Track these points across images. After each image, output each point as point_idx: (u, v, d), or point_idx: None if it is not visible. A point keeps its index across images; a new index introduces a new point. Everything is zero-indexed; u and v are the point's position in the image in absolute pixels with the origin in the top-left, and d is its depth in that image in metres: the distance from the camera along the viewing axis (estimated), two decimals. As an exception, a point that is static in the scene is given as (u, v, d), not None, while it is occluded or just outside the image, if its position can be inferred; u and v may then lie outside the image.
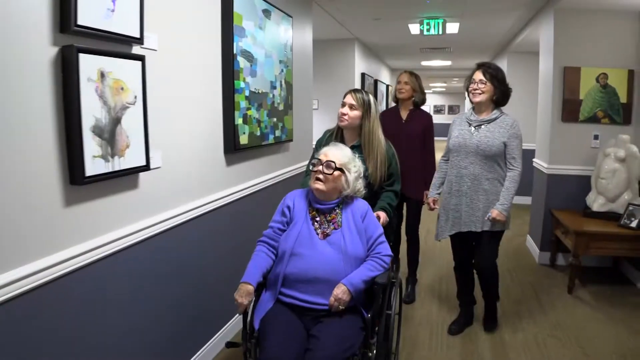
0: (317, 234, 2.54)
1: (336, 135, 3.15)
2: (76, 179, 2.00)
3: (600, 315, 4.10)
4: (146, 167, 2.41)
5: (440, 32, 6.86)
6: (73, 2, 1.90)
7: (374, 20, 6.98)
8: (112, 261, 2.28)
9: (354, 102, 3.02)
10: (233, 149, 3.34)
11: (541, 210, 5.46)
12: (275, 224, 2.65)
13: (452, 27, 7.18)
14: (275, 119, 4.08)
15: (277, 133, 4.16)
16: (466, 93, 3.60)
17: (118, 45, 2.22)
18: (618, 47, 5.03)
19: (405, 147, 4.22)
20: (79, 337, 2.08)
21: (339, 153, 2.64)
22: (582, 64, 5.05)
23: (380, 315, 2.53)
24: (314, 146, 3.31)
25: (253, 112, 3.61)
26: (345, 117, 3.02)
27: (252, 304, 2.35)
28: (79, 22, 1.94)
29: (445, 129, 4.48)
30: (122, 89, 2.20)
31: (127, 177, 2.34)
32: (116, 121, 2.18)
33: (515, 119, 3.45)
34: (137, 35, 2.29)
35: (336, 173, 2.57)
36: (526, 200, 6.65)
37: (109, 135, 2.14)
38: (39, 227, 1.89)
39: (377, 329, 2.46)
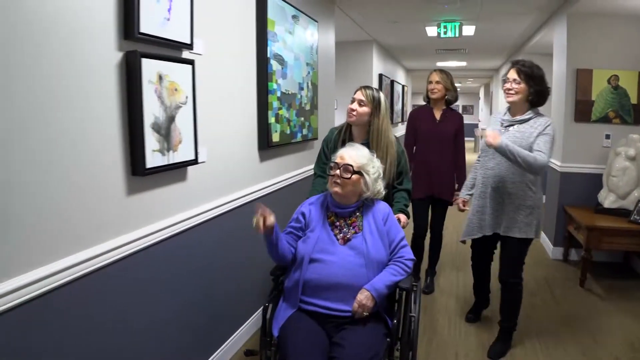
0: (337, 239, 2.46)
1: (345, 132, 3.09)
2: (138, 170, 2.23)
3: (611, 307, 4.27)
4: (194, 162, 2.66)
5: (457, 35, 6.99)
6: (136, 12, 2.14)
7: (393, 23, 7.16)
8: (159, 249, 2.48)
9: (363, 98, 2.95)
10: (266, 146, 3.58)
11: (554, 207, 5.63)
12: (289, 228, 2.59)
13: (468, 30, 7.32)
14: (302, 118, 4.32)
15: (304, 131, 4.39)
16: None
17: (172, 51, 2.46)
18: (629, 50, 5.19)
19: (439, 148, 4.34)
20: (112, 329, 2.18)
21: (355, 154, 2.52)
22: (594, 66, 5.22)
23: (404, 321, 2.46)
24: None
25: (284, 112, 3.85)
26: (354, 113, 2.96)
27: (270, 217, 2.29)
28: (142, 30, 2.18)
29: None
30: (176, 90, 2.44)
31: (178, 170, 2.59)
32: (171, 119, 2.42)
33: (552, 120, 3.23)
34: (188, 41, 2.53)
35: (354, 177, 2.47)
36: (540, 198, 6.81)
37: (165, 132, 2.38)
38: (105, 214, 2.12)
39: (400, 335, 2.43)
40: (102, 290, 2.11)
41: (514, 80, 3.18)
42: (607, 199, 4.99)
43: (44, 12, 1.76)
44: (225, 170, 3.11)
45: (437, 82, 4.36)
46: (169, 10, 2.36)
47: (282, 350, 2.21)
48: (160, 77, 2.32)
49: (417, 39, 8.74)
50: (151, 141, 2.27)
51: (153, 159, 2.29)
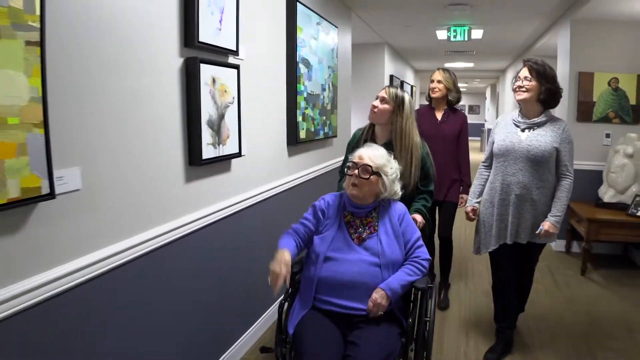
0: (353, 238, 2.46)
1: (367, 131, 3.07)
2: (194, 161, 2.59)
3: (609, 293, 4.59)
4: (238, 155, 3.01)
5: (466, 39, 7.27)
6: (196, 23, 2.49)
7: (405, 27, 7.46)
8: (206, 233, 2.80)
9: (385, 96, 2.91)
10: (294, 142, 3.94)
11: (557, 201, 5.91)
12: (306, 222, 2.56)
13: (477, 34, 7.58)
14: (324, 117, 4.67)
15: (326, 129, 4.75)
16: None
17: (222, 57, 2.83)
18: (628, 54, 5.52)
19: (442, 149, 4.12)
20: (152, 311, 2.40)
21: (374, 154, 2.51)
22: (595, 69, 5.55)
23: (419, 322, 2.44)
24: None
25: (309, 111, 4.20)
26: (375, 110, 2.94)
27: (288, 277, 2.25)
28: (200, 39, 2.53)
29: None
30: (225, 91, 2.79)
31: (225, 162, 2.94)
32: (221, 117, 2.77)
33: (565, 121, 3.19)
34: (234, 48, 2.89)
35: (373, 177, 2.46)
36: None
37: (217, 128, 2.73)
38: (168, 199, 2.46)
39: (415, 335, 2.43)
40: (151, 270, 2.39)
41: (525, 77, 3.09)
42: (607, 194, 5.32)
43: (121, 26, 2.12)
44: (260, 163, 3.45)
45: (439, 82, 4.23)
46: (220, 21, 2.72)
47: (297, 348, 2.22)
48: (214, 80, 2.67)
49: (428, 42, 9.00)
50: (206, 135, 2.63)
51: (207, 151, 2.65)
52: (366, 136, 3.04)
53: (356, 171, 2.45)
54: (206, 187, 2.79)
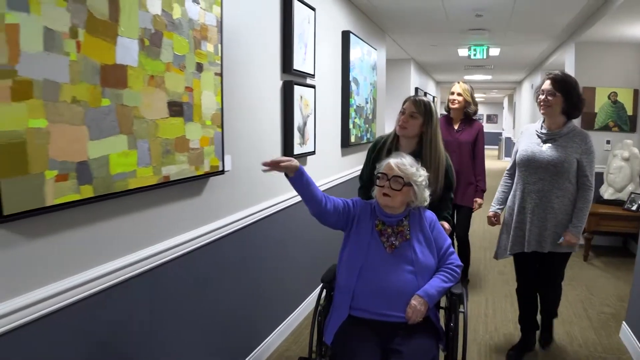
0: (385, 247, 2.42)
1: (392, 141, 2.98)
2: (288, 155, 3.49)
3: (607, 274, 5.38)
4: (313, 152, 3.95)
5: (485, 57, 8.05)
6: (292, 56, 3.44)
7: (431, 46, 8.31)
8: (286, 213, 3.64)
9: (414, 110, 2.82)
10: (347, 145, 4.90)
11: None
12: (342, 201, 2.55)
13: (494, 52, 8.36)
14: (367, 125, 5.63)
15: (368, 135, 5.71)
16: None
17: (305, 79, 3.77)
18: (626, 71, 6.33)
19: (458, 156, 4.29)
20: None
21: (402, 164, 2.47)
22: (597, 85, 6.36)
23: (456, 325, 2.45)
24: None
25: (357, 120, 5.16)
26: (405, 126, 2.84)
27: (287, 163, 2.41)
28: (294, 67, 3.48)
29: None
30: (307, 105, 3.75)
31: (304, 157, 3.87)
32: (305, 124, 3.73)
33: (588, 133, 3.19)
34: (312, 72, 3.84)
35: (405, 188, 2.43)
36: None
37: (302, 132, 3.68)
38: (271, 182, 3.34)
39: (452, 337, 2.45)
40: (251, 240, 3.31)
41: (548, 91, 3.09)
42: (607, 192, 6.17)
43: (251, 60, 3.10)
44: (324, 160, 4.39)
45: (459, 94, 4.39)
46: (305, 53, 3.68)
47: (339, 358, 2.26)
48: (301, 97, 3.63)
49: (450, 58, 9.79)
50: (296, 137, 3.58)
51: (296, 148, 3.59)
52: (390, 146, 2.96)
53: (387, 182, 2.44)
54: (293, 176, 3.71)
